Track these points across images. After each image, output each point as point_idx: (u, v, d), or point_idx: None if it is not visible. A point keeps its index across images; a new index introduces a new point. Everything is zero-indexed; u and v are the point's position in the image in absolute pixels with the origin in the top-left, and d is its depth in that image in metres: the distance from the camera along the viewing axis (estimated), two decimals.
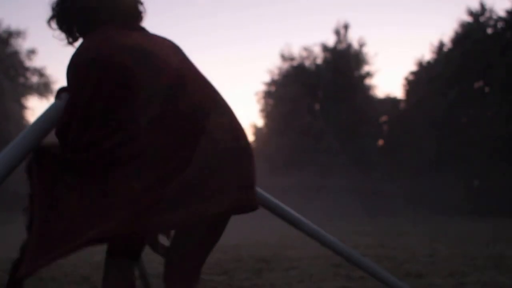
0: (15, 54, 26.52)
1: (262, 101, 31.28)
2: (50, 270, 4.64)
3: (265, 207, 2.00)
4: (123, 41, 1.52)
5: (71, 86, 1.54)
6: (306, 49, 29.78)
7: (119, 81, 1.46)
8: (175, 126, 1.46)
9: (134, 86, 1.46)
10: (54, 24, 1.64)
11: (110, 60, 1.47)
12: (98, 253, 4.33)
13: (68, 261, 5.05)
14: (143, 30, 1.67)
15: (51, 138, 1.61)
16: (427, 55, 32.31)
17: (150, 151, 1.43)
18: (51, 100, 23.46)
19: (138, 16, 1.68)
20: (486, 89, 24.20)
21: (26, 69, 27.09)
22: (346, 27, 29.23)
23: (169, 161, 1.43)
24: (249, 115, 39.10)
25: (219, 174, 1.48)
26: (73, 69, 1.52)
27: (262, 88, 31.35)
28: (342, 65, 28.33)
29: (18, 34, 26.38)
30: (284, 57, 30.16)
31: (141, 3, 1.70)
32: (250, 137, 32.65)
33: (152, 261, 3.83)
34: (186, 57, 1.67)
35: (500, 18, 23.67)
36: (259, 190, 2.00)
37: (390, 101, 29.50)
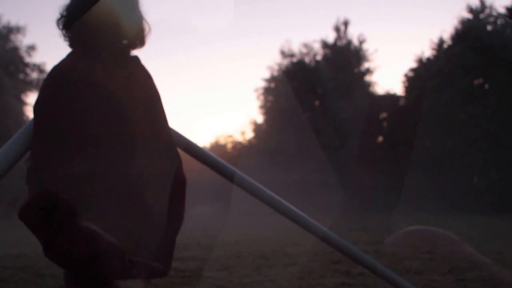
0: (15, 50, 26.43)
1: (262, 97, 31.27)
2: (50, 267, 4.64)
3: (265, 203, 2.00)
4: (92, 80, 1.55)
5: (37, 99, 1.58)
6: (306, 45, 29.74)
7: (72, 118, 1.50)
8: (115, 187, 1.52)
9: (88, 128, 1.49)
10: (60, 25, 1.66)
11: (70, 97, 1.51)
12: None
13: None
14: (129, 63, 1.67)
15: None
16: (427, 52, 32.12)
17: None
18: None
19: (136, 46, 1.69)
20: (486, 86, 24.17)
21: (26, 65, 26.99)
22: (346, 23, 29.18)
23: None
24: (249, 111, 39.10)
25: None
26: (41, 88, 1.57)
27: (261, 84, 31.36)
28: (342, 61, 28.28)
29: (18, 30, 26.30)
30: (284, 54, 30.12)
31: (146, 29, 1.70)
32: (250, 134, 32.34)
33: None
34: (151, 108, 1.67)
35: (500, 15, 23.64)
36: (260, 186, 2.00)
37: (390, 98, 29.45)
